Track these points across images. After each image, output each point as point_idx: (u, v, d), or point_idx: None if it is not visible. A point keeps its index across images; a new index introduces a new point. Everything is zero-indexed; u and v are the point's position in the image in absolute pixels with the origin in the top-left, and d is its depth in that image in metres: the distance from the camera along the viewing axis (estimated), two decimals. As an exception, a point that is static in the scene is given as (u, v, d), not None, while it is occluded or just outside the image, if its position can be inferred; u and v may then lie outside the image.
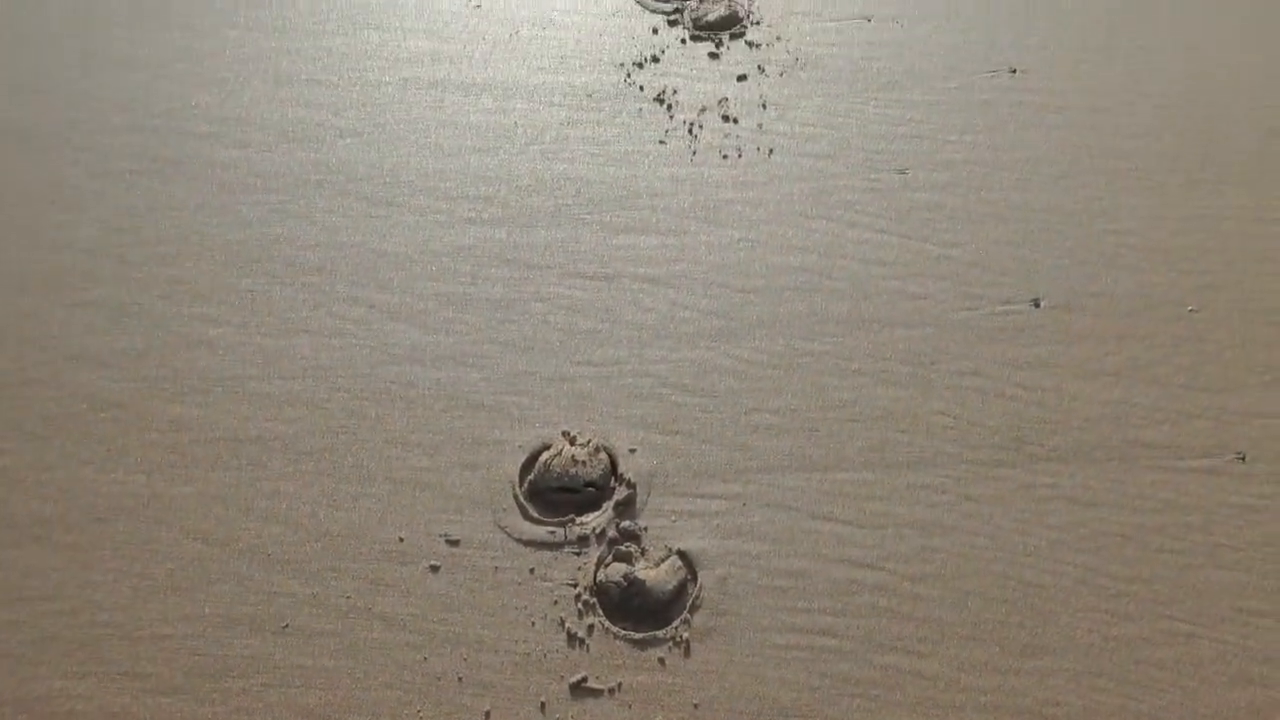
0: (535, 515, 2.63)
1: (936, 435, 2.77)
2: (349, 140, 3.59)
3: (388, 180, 3.45)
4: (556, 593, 2.50)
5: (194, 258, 3.25)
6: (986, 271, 3.15)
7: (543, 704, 2.33)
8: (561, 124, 3.59)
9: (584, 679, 2.37)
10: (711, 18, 3.93)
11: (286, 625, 2.44)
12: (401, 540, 2.58)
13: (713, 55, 3.80)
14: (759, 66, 3.77)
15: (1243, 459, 2.75)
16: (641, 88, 3.70)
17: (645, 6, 4.01)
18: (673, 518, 2.61)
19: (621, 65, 3.79)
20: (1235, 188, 3.38)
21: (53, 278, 3.18)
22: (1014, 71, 3.75)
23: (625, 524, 2.60)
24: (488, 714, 2.31)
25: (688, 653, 2.40)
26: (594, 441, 2.74)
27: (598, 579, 2.52)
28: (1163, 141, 3.52)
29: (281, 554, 2.56)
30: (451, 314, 3.05)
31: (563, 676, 2.37)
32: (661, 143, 3.51)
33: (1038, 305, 3.07)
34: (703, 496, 2.65)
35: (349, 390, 2.87)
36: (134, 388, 2.89)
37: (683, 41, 3.86)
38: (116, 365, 2.94)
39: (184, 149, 3.60)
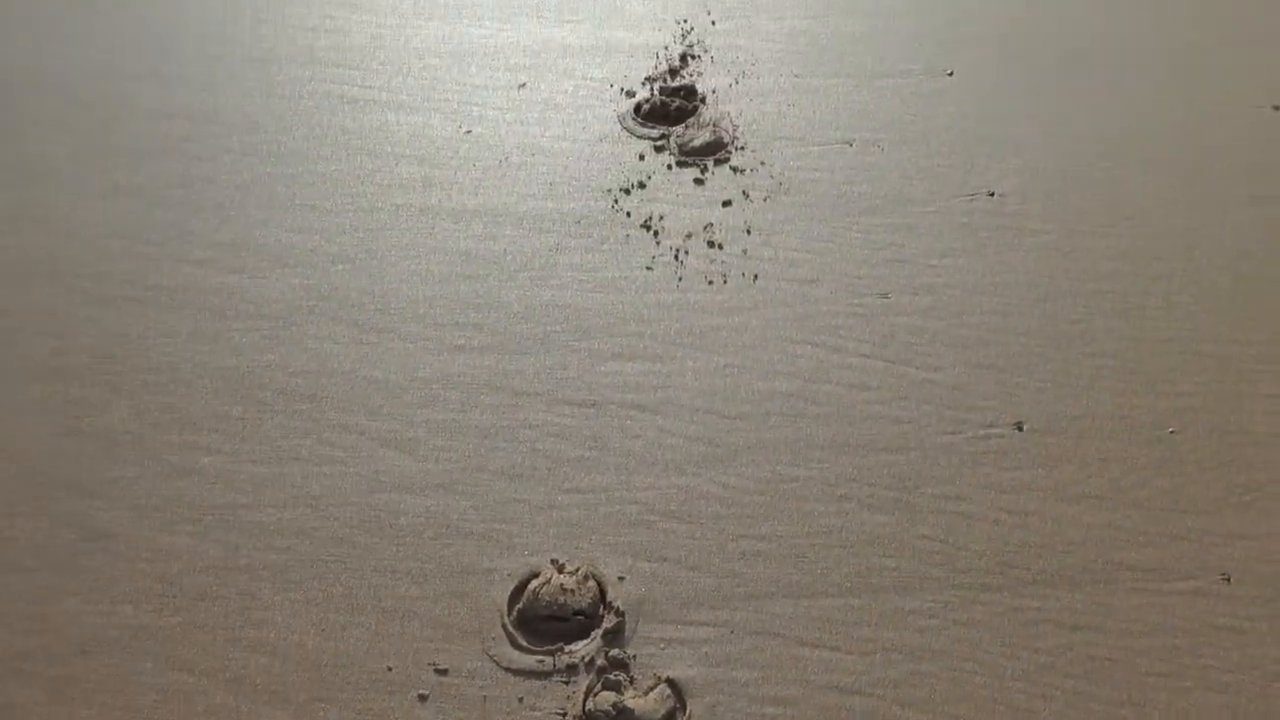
0: (524, 644, 2.66)
1: (923, 560, 2.81)
2: (341, 266, 3.68)
3: (379, 306, 3.53)
4: (545, 723, 2.51)
5: (186, 385, 3.31)
6: (969, 395, 3.22)
7: (530, 840, 2.33)
8: (550, 250, 3.69)
9: (572, 813, 2.37)
10: (697, 143, 4.06)
11: (273, 759, 2.45)
12: (390, 669, 2.60)
13: (698, 181, 3.92)
14: (744, 192, 3.88)
15: (1227, 580, 2.79)
16: (629, 214, 3.81)
17: (632, 132, 4.15)
18: (661, 645, 2.63)
19: (609, 191, 3.91)
20: (1212, 310, 3.46)
21: (44, 406, 3.23)
22: (992, 195, 3.86)
23: (614, 652, 2.63)
24: None
25: (676, 785, 2.41)
26: (583, 569, 2.77)
27: (586, 708, 2.53)
28: (1139, 264, 3.62)
29: (268, 684, 2.57)
30: (441, 442, 3.11)
31: (551, 811, 2.38)
32: (648, 269, 3.61)
33: (1020, 429, 3.14)
34: (691, 624, 2.68)
35: (339, 518, 2.91)
36: (124, 517, 2.92)
37: (669, 167, 3.98)
38: (106, 495, 2.98)
39: (178, 275, 3.68)
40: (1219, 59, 4.49)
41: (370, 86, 4.49)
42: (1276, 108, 4.21)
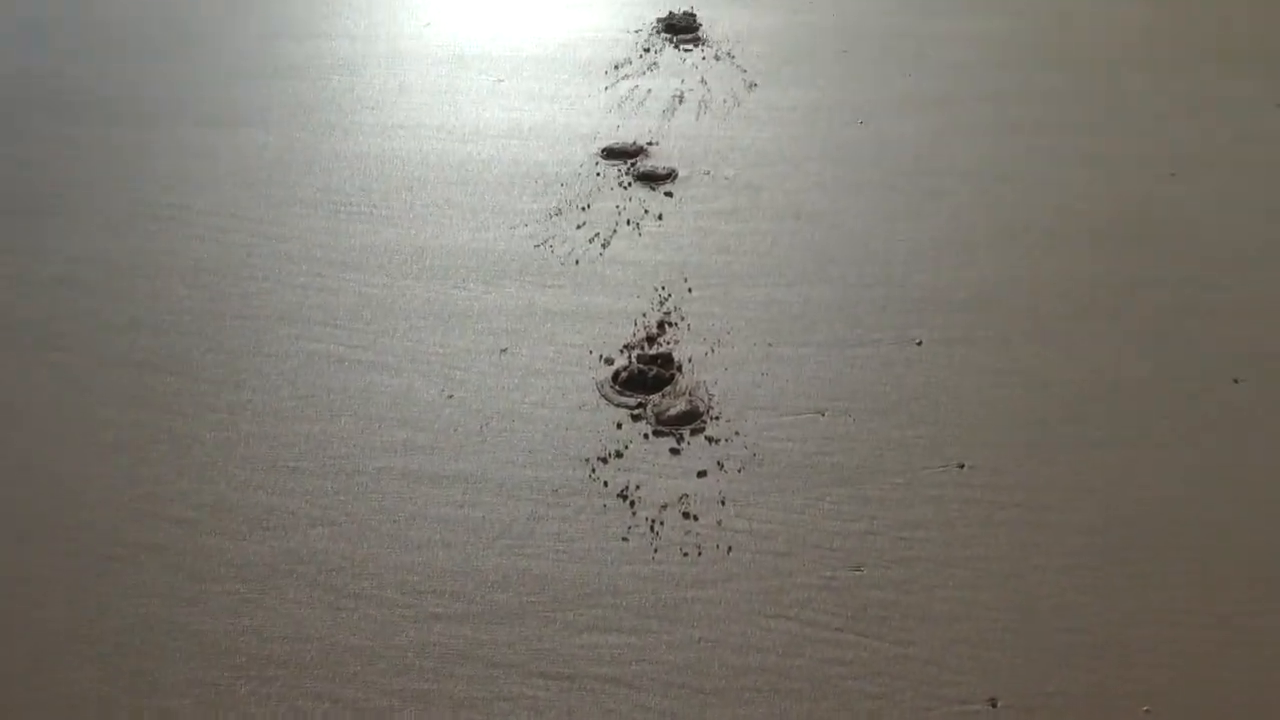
0: None
1: (896, 847, 2.86)
2: (321, 529, 3.82)
3: (357, 572, 3.65)
4: None
5: (160, 648, 3.39)
6: (943, 670, 3.33)
7: None
8: (528, 519, 3.84)
9: None
10: (673, 413, 4.28)
11: None
12: None
13: (674, 451, 4.11)
14: (718, 463, 4.07)
15: None
16: (605, 483, 3.98)
17: (610, 400, 4.36)
18: None
19: (586, 460, 4.09)
20: (1183, 582, 3.61)
21: (15, 668, 3.30)
22: (962, 467, 4.06)
23: None
24: None
25: None
26: None
27: None
28: (1108, 537, 3.78)
29: None
30: (413, 714, 3.18)
31: None
32: (624, 539, 3.76)
33: (995, 705, 3.23)
34: None
35: (308, 795, 2.96)
36: (90, 790, 2.96)
37: (645, 436, 4.18)
38: (75, 766, 3.03)
39: (158, 534, 3.81)
40: (1189, 324, 4.78)
41: (356, 346, 4.72)
42: (1237, 380, 4.46)
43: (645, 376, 4.46)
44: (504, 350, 4.68)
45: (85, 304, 5.11)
